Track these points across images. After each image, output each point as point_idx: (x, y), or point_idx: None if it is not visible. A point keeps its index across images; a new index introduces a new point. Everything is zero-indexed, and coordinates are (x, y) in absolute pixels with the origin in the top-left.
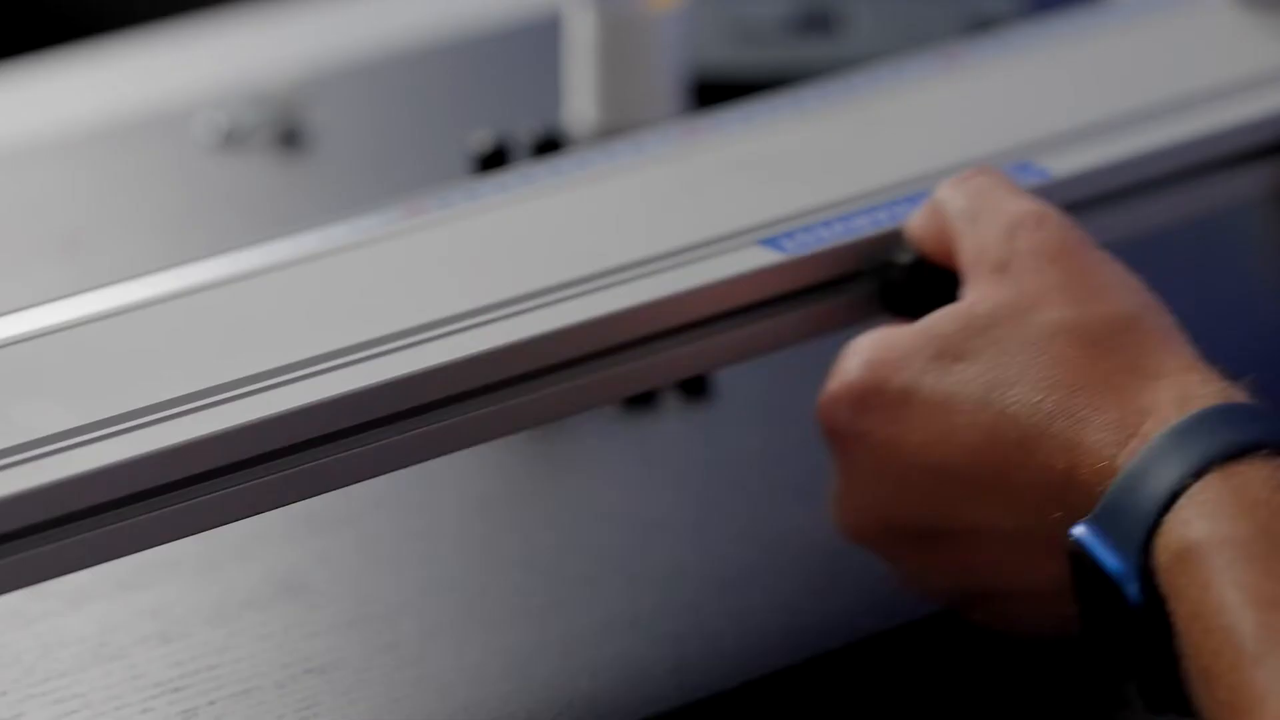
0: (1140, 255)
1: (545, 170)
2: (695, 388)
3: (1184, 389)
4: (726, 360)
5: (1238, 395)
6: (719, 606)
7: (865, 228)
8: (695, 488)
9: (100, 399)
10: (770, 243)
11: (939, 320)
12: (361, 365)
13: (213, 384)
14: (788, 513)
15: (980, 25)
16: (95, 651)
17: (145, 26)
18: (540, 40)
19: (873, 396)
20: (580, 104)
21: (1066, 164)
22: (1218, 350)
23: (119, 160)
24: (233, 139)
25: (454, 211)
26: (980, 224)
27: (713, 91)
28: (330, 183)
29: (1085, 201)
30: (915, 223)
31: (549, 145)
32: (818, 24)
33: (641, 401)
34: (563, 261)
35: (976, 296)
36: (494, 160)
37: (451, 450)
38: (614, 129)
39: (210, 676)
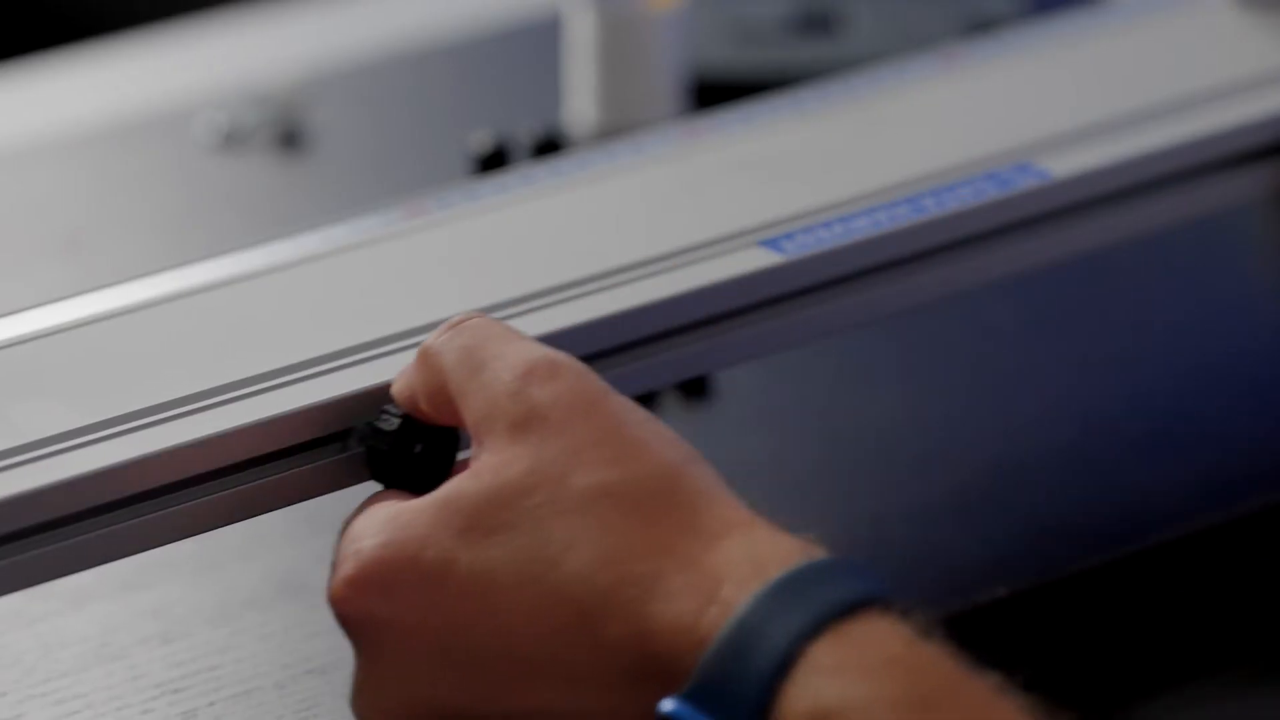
0: (1141, 255)
1: (545, 171)
2: (695, 388)
3: (753, 548)
4: (726, 362)
5: (812, 549)
6: None
7: (865, 229)
8: None
9: (101, 399)
10: (770, 244)
11: (460, 491)
12: (363, 366)
13: (214, 385)
14: (787, 513)
15: (980, 26)
16: (96, 652)
17: (145, 27)
18: (540, 40)
19: (399, 576)
20: (580, 104)
21: (1066, 164)
22: (1218, 350)
23: (119, 160)
24: (233, 139)
25: (454, 212)
26: (485, 376)
27: (713, 92)
28: (330, 183)
29: (1085, 202)
30: (403, 380)
31: (549, 146)
32: (818, 24)
33: (641, 402)
34: (563, 262)
35: (499, 460)
36: (494, 161)
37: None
38: (614, 129)
39: (211, 677)
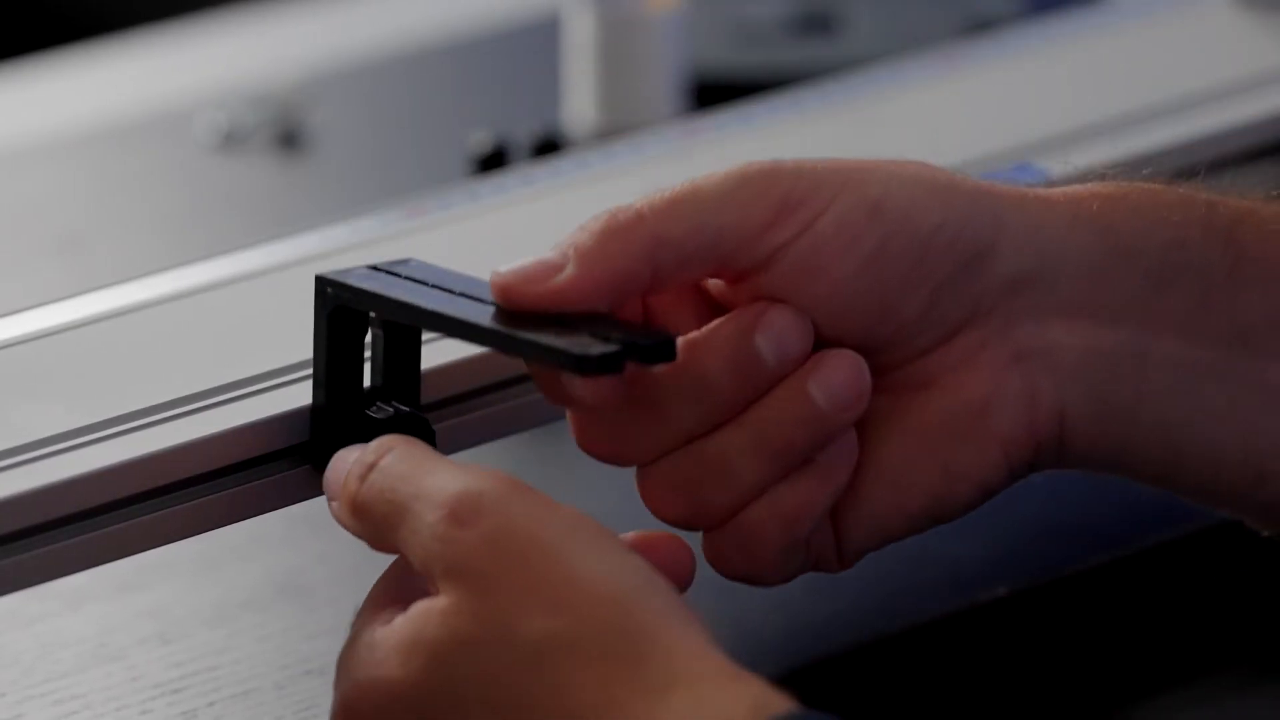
0: None
1: (545, 171)
2: None
3: (702, 708)
4: None
5: (769, 699)
6: (719, 607)
7: None
8: None
9: (100, 400)
10: None
11: (421, 634)
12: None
13: (213, 385)
14: None
15: (979, 26)
16: (95, 652)
17: (145, 27)
18: (540, 40)
19: (380, 714)
20: (579, 105)
21: (1066, 165)
22: None
23: (119, 160)
24: (233, 139)
25: (453, 213)
26: (411, 523)
27: (712, 92)
28: (330, 183)
29: None
30: (351, 529)
31: (548, 146)
32: (817, 25)
33: None
34: None
35: (450, 604)
36: (493, 161)
37: (453, 450)
38: (613, 130)
39: (209, 678)
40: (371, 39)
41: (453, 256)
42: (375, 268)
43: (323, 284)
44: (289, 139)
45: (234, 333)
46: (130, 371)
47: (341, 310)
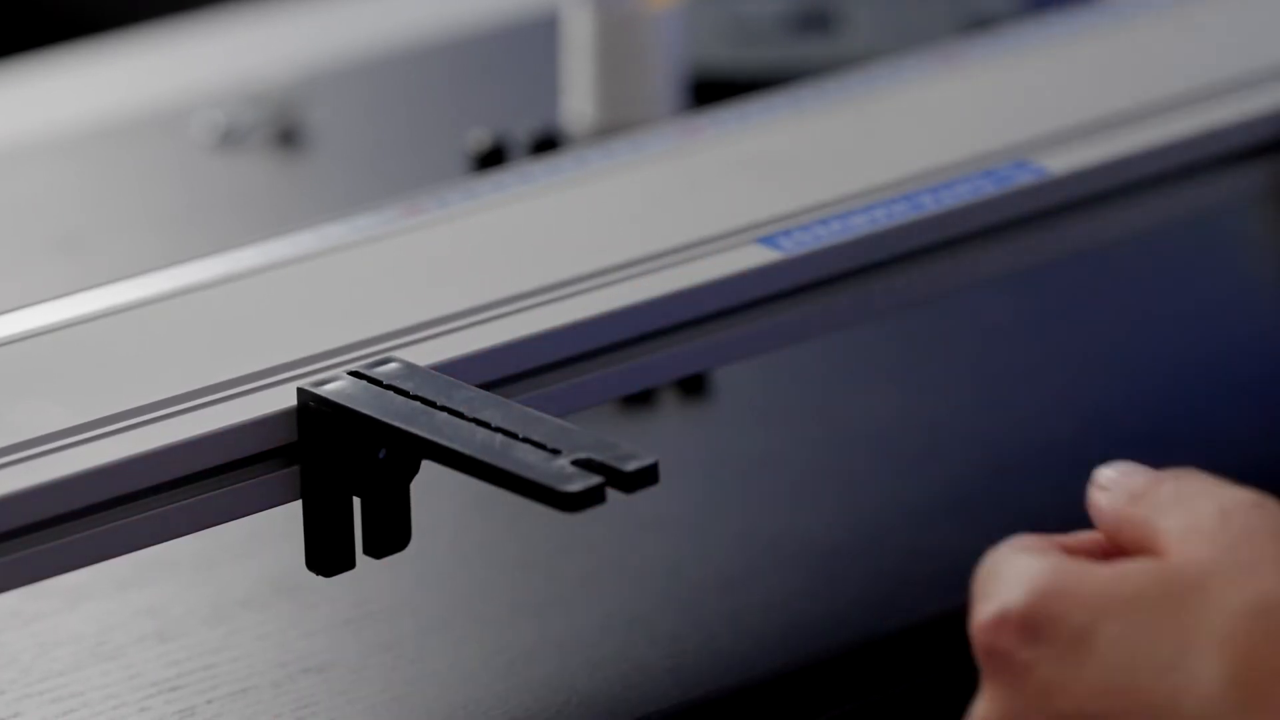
0: (1140, 255)
1: (543, 169)
2: (693, 386)
3: None
4: (725, 359)
5: None
6: (718, 606)
7: (863, 226)
8: (694, 486)
9: (98, 398)
10: (768, 241)
11: (1135, 571)
12: (359, 365)
13: (210, 383)
14: (786, 512)
15: (977, 24)
16: (93, 651)
17: (144, 26)
18: (538, 39)
19: (1046, 628)
20: (578, 103)
21: (1064, 162)
22: (1216, 348)
23: (118, 160)
24: (231, 138)
25: (452, 211)
26: (1190, 506)
27: (711, 90)
28: (328, 182)
29: (1082, 199)
30: (1105, 500)
31: (547, 144)
32: (816, 23)
33: (639, 400)
34: (561, 260)
35: (1183, 559)
36: (492, 159)
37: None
38: (612, 128)
39: (207, 676)
40: (369, 37)
41: (451, 255)
42: (357, 374)
43: (304, 397)
44: (287, 137)
45: (231, 331)
46: (128, 369)
47: (322, 419)
